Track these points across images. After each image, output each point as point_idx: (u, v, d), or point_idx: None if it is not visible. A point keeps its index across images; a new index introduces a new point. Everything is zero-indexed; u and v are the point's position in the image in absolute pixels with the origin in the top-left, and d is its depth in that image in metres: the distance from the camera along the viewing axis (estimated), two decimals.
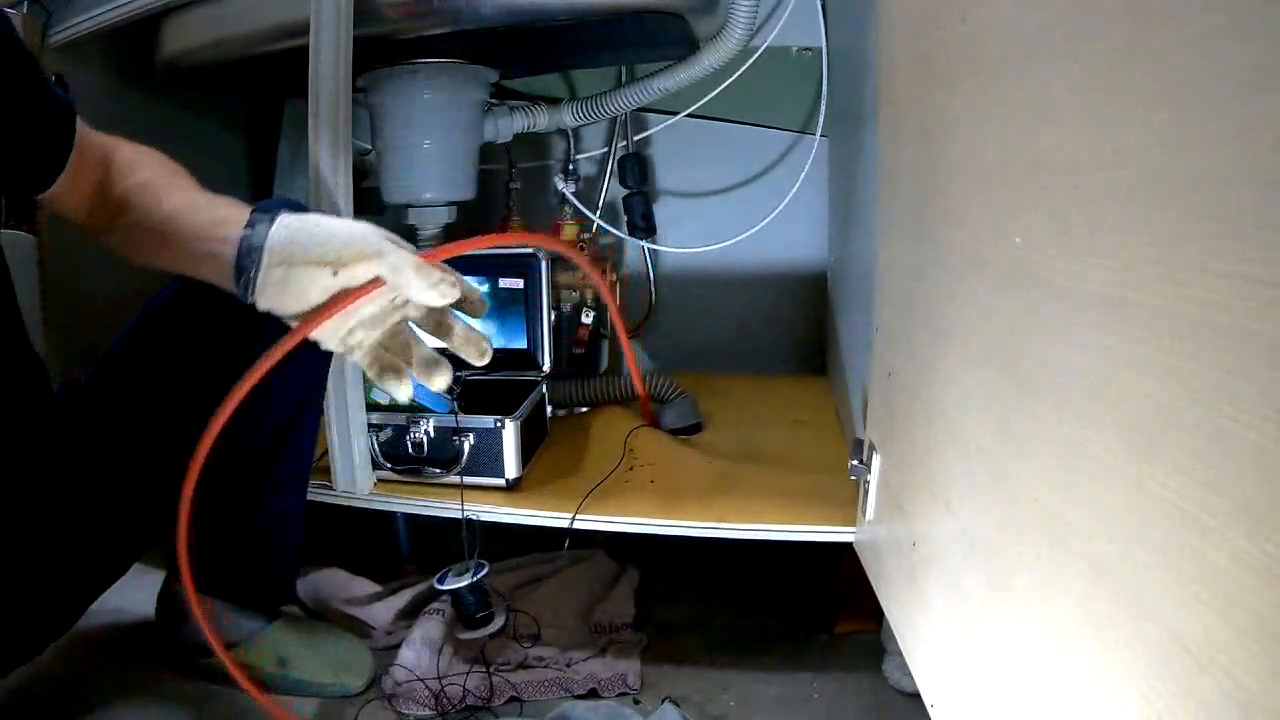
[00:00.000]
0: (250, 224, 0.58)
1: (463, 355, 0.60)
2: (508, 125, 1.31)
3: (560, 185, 1.46)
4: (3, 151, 0.65)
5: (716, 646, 1.03)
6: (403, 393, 0.59)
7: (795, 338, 1.55)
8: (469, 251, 0.59)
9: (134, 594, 1.06)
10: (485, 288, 1.20)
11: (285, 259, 0.56)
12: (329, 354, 0.89)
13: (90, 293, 1.13)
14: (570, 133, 1.45)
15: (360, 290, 0.55)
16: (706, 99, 1.36)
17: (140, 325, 0.85)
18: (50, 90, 0.69)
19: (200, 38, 1.11)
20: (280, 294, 0.56)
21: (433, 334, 0.60)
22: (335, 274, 0.55)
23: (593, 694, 0.93)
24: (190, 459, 0.77)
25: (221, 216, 0.61)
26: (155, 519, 0.87)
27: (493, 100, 1.30)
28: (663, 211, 1.53)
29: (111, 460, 0.81)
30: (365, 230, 0.56)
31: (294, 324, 0.57)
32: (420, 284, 0.54)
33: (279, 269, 0.56)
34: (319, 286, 0.55)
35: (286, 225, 0.57)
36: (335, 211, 0.92)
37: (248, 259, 0.57)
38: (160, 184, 0.68)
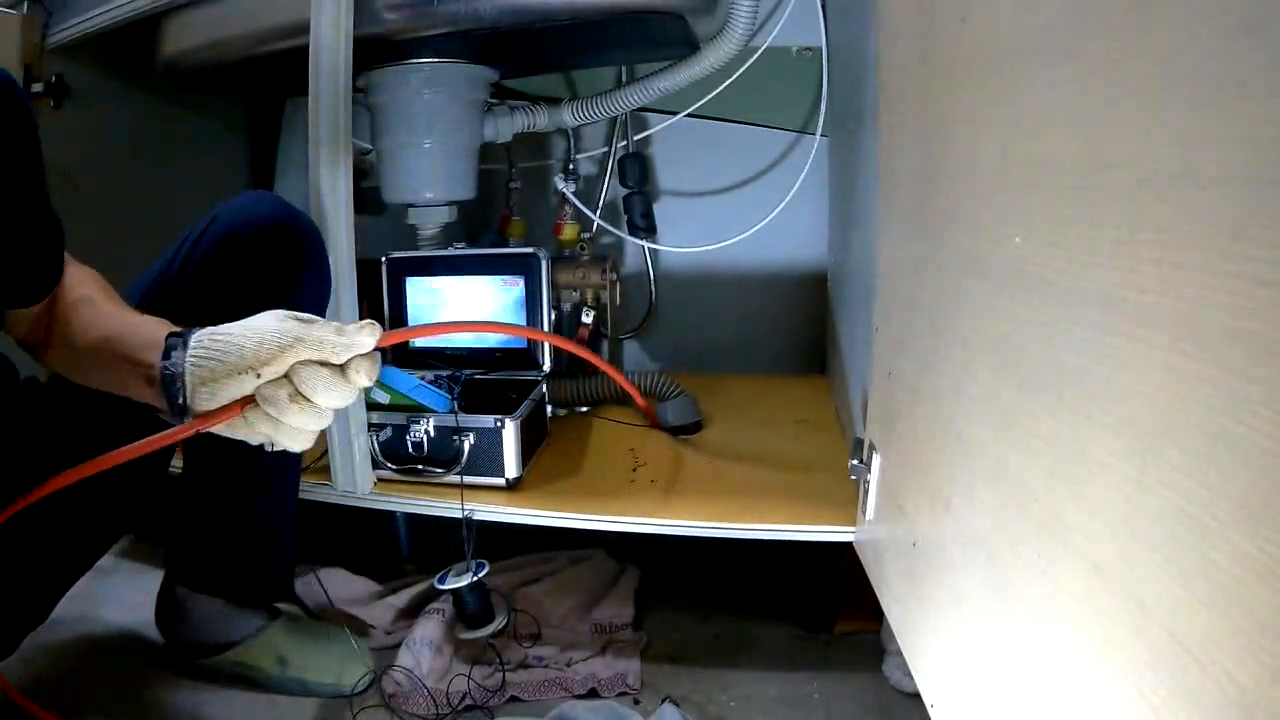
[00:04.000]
0: (165, 353, 0.59)
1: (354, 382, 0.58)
2: (508, 125, 1.31)
3: (560, 185, 1.46)
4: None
5: (716, 646, 1.03)
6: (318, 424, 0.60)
7: (795, 338, 1.55)
8: (419, 337, 0.59)
9: (132, 595, 1.06)
10: (486, 286, 1.20)
11: (207, 378, 0.57)
12: None
13: None
14: (570, 133, 1.45)
15: (227, 410, 0.57)
16: (706, 99, 1.36)
17: None
18: (49, 202, 0.66)
19: (200, 38, 1.11)
20: (213, 405, 0.58)
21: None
22: (259, 375, 0.56)
23: (593, 694, 0.93)
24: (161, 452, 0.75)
25: (149, 340, 0.62)
26: (123, 510, 0.87)
27: (493, 100, 1.30)
28: (663, 211, 1.52)
29: (81, 448, 0.81)
30: (270, 325, 0.57)
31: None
32: (346, 347, 0.56)
33: (204, 389, 0.57)
34: (245, 391, 0.57)
35: (198, 345, 0.58)
36: (336, 210, 0.92)
37: (173, 387, 0.59)
38: (96, 303, 0.68)
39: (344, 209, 0.92)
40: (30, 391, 0.81)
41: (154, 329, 0.63)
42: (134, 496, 0.87)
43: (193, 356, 0.58)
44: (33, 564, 0.79)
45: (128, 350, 0.63)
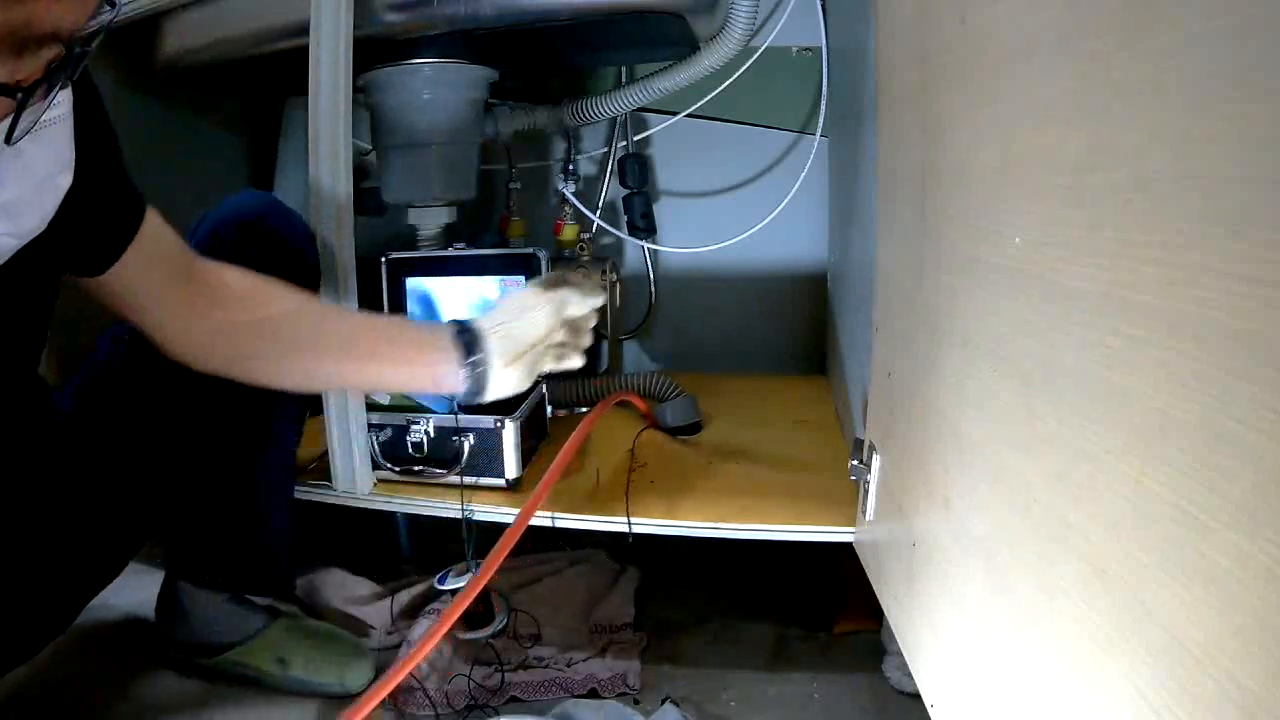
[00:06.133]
0: (468, 348, 0.75)
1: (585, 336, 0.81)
2: (508, 125, 1.31)
3: (560, 185, 1.46)
4: (70, 229, 0.65)
5: (716, 646, 1.03)
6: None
7: (795, 338, 1.55)
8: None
9: (133, 593, 1.06)
10: (486, 287, 1.20)
11: (506, 358, 0.75)
12: None
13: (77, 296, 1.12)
14: (570, 133, 1.45)
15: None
16: (706, 99, 1.36)
17: (130, 331, 0.85)
18: (124, 174, 0.69)
19: (200, 38, 1.11)
20: (502, 388, 0.76)
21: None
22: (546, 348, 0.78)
23: (593, 694, 0.93)
24: (180, 457, 0.82)
25: (419, 338, 0.77)
26: (148, 520, 0.88)
27: (493, 100, 1.30)
28: (663, 211, 1.53)
29: (106, 462, 0.81)
30: (533, 300, 0.77)
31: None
32: (586, 303, 0.79)
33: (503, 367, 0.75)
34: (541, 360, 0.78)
35: (493, 333, 0.76)
36: (336, 210, 0.93)
37: (479, 371, 0.74)
38: (322, 309, 0.80)
39: (344, 209, 0.92)
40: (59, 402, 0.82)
41: (423, 330, 0.79)
42: (155, 509, 0.87)
43: (490, 342, 0.75)
44: (59, 575, 0.80)
45: (404, 344, 0.76)
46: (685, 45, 1.18)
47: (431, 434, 1.02)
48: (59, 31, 0.45)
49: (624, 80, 1.43)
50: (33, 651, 0.80)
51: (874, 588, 0.81)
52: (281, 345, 0.75)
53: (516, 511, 0.99)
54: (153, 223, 0.71)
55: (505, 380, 0.75)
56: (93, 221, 0.66)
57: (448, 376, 0.74)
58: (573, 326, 0.78)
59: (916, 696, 0.71)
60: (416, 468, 1.03)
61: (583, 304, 0.78)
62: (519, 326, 0.75)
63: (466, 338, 0.75)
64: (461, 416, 1.02)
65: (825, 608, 1.06)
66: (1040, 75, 0.45)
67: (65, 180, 0.55)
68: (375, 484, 1.04)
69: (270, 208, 0.88)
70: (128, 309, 0.72)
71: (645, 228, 1.47)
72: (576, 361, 0.80)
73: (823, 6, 1.31)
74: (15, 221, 0.52)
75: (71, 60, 0.47)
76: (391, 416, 1.04)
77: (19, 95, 0.45)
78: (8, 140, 0.48)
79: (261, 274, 0.76)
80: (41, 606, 0.79)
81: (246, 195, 0.90)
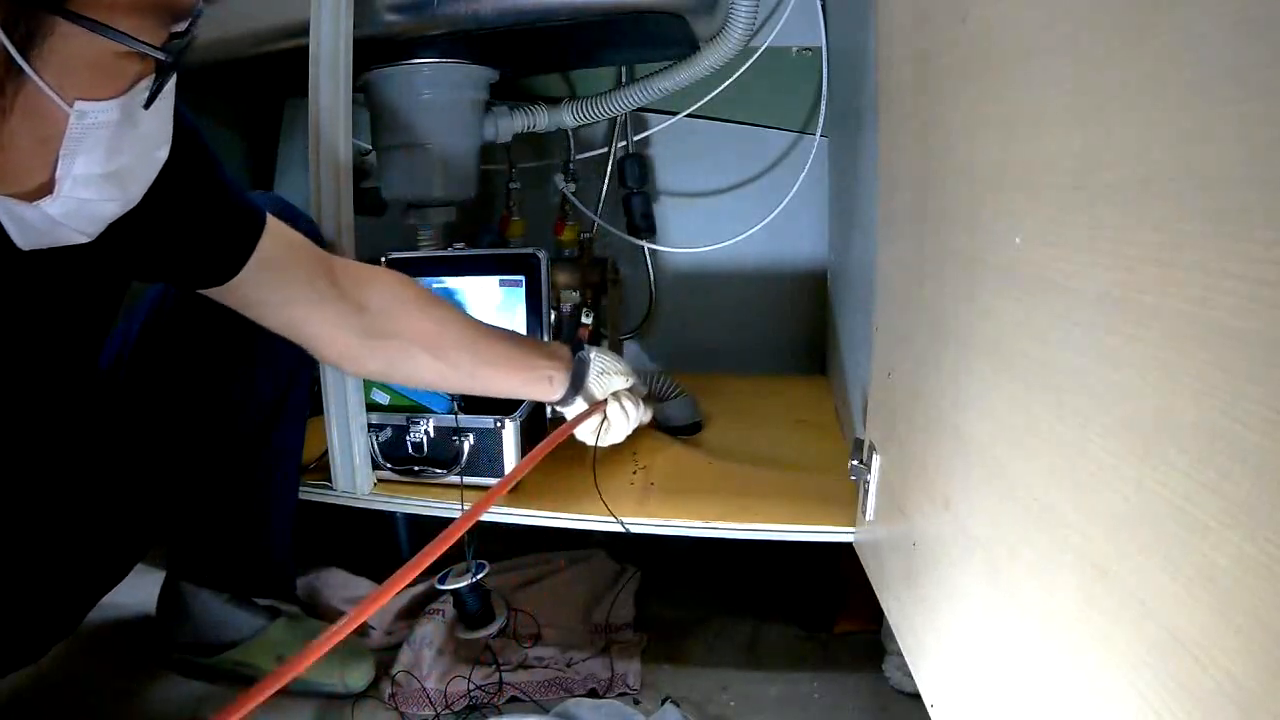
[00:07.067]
0: (577, 357, 0.90)
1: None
2: (508, 125, 1.31)
3: (560, 185, 1.46)
4: (177, 250, 0.69)
5: (716, 646, 1.04)
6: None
7: (795, 338, 1.55)
8: None
9: (133, 592, 1.06)
10: (486, 287, 1.20)
11: (600, 373, 0.91)
12: None
13: None
14: (570, 133, 1.45)
15: (593, 409, 0.91)
16: (706, 99, 1.36)
17: (141, 334, 0.85)
18: (232, 197, 0.72)
19: (200, 38, 1.11)
20: (598, 394, 0.91)
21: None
22: (628, 379, 0.92)
23: (593, 694, 0.93)
24: (184, 458, 0.82)
25: (544, 356, 0.89)
26: (157, 520, 0.88)
27: (493, 100, 1.30)
28: (663, 211, 1.53)
29: (117, 462, 0.81)
30: (621, 368, 0.93)
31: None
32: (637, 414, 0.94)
33: (597, 380, 0.91)
34: (616, 387, 0.92)
35: (597, 357, 0.91)
36: (336, 210, 0.93)
37: (579, 376, 0.89)
38: (470, 324, 0.87)
39: (344, 209, 0.92)
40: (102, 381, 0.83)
41: (540, 350, 0.90)
42: (163, 510, 0.87)
43: (595, 360, 0.90)
44: (68, 575, 0.80)
45: (529, 363, 0.88)
46: (685, 45, 1.19)
47: (431, 434, 1.02)
48: (193, 6, 0.49)
49: (624, 80, 1.43)
50: (41, 652, 0.80)
51: (874, 588, 0.81)
52: (439, 362, 0.83)
53: (516, 511, 0.99)
54: (277, 237, 0.73)
55: (595, 389, 0.90)
56: (195, 234, 0.69)
57: (557, 380, 0.89)
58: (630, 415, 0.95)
59: (916, 696, 0.71)
60: (416, 468, 1.03)
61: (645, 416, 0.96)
62: (614, 373, 0.92)
63: (579, 353, 0.91)
64: (461, 417, 1.02)
65: (825, 608, 1.06)
66: (1041, 75, 0.45)
67: (163, 154, 0.57)
68: (375, 484, 1.04)
69: (278, 207, 0.88)
70: (267, 318, 0.75)
71: (645, 228, 1.47)
72: (615, 436, 0.94)
73: (823, 6, 1.31)
74: (124, 188, 0.54)
75: (190, 34, 0.51)
76: (391, 416, 1.04)
77: (170, 60, 0.49)
78: (146, 105, 0.51)
79: (404, 283, 0.83)
80: (50, 606, 0.79)
81: (256, 196, 0.90)
